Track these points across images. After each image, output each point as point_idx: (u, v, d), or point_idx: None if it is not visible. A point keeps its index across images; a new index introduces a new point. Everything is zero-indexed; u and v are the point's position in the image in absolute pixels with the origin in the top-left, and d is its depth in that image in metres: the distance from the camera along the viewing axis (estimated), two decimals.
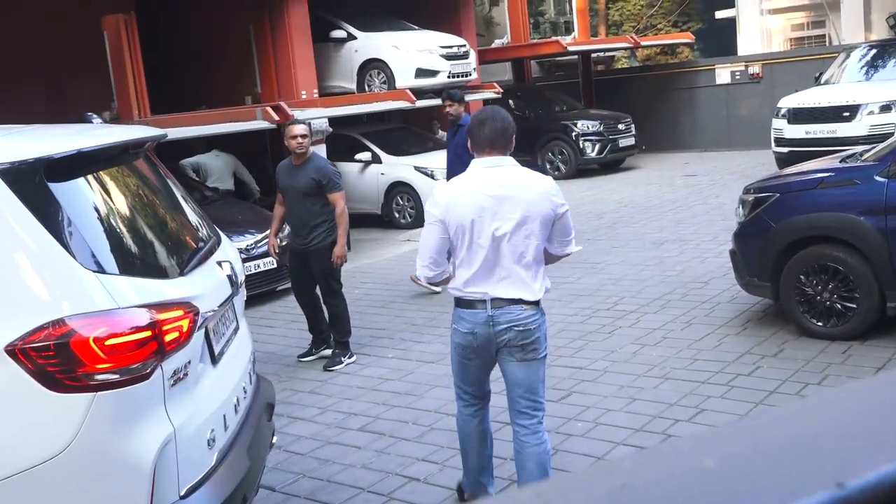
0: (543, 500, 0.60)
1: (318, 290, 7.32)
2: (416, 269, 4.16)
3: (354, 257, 11.74)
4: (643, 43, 22.46)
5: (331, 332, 7.29)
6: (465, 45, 14.60)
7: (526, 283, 3.98)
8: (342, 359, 7.15)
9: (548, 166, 17.88)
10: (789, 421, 0.68)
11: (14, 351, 2.85)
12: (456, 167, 8.21)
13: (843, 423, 0.65)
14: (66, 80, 13.40)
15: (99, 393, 2.92)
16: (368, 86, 13.97)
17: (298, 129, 6.99)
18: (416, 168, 13.85)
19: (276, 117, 10.66)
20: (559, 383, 6.15)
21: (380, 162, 14.08)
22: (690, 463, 0.60)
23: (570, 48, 19.54)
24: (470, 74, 14.64)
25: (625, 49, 25.13)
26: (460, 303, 4.08)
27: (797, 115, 13.70)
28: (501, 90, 15.82)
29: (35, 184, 3.02)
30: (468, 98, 15.56)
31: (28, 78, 13.01)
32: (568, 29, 29.74)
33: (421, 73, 13.82)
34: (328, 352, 7.33)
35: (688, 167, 17.38)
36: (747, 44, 24.78)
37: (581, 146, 17.47)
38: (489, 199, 3.93)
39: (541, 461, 4.16)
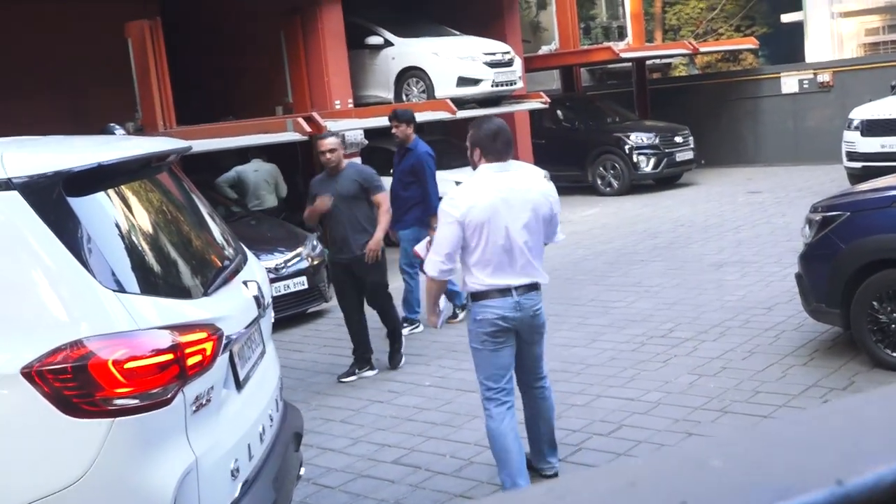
0: (555, 496, 0.65)
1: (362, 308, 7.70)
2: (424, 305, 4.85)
3: (391, 279, 11.79)
4: (703, 49, 22.37)
5: (392, 332, 7.77)
6: (509, 52, 14.66)
7: (538, 271, 4.85)
8: (402, 353, 7.75)
9: (599, 182, 17.85)
10: (798, 425, 0.74)
11: (30, 373, 2.91)
12: (400, 195, 8.21)
13: (850, 427, 0.70)
14: (90, 90, 13.66)
15: (117, 419, 2.98)
16: (406, 95, 14.07)
17: (325, 143, 7.43)
18: (458, 183, 13.82)
19: (308, 129, 10.77)
20: (608, 416, 6.12)
21: None
22: (699, 462, 0.66)
23: (624, 55, 19.53)
24: (515, 83, 14.69)
25: (683, 55, 25.05)
26: (484, 295, 4.77)
27: (871, 128, 13.55)
28: (549, 100, 15.85)
29: (53, 198, 3.09)
30: (515, 108, 15.64)
31: (50, 88, 13.29)
32: (621, 34, 29.74)
33: (462, 81, 13.89)
34: (370, 373, 7.62)
35: (751, 183, 17.24)
36: (816, 50, 24.58)
37: (635, 160, 17.42)
38: (503, 200, 4.74)
39: (553, 407, 5.22)
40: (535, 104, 15.74)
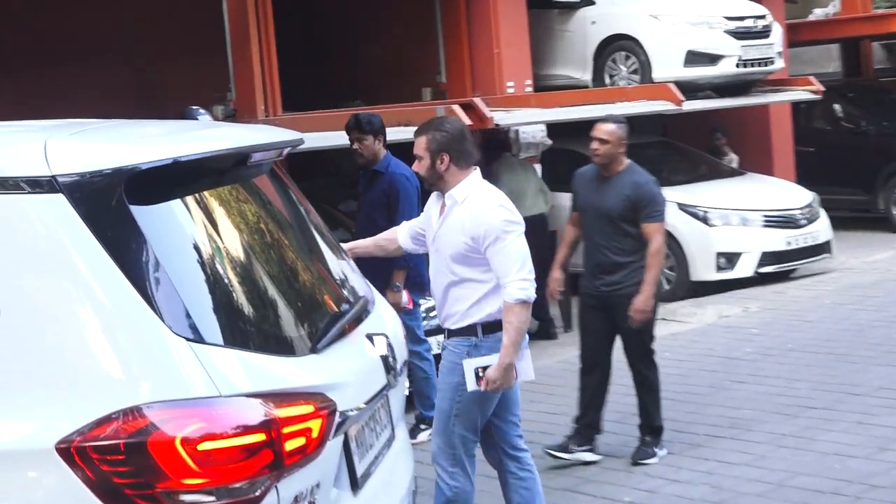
0: None
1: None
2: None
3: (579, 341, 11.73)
4: None
5: (644, 417, 7.97)
6: (764, 17, 14.44)
7: None
8: (655, 450, 7.83)
9: (895, 211, 17.34)
10: None
11: (68, 450, 2.99)
12: (366, 233, 7.85)
13: None
14: (166, 60, 14.10)
15: None
16: (610, 76, 14.02)
17: (600, 128, 7.87)
18: (681, 207, 13.73)
19: (468, 120, 10.83)
20: None
21: None
22: None
23: None
24: (772, 62, 14.44)
25: None
26: (498, 325, 5.65)
27: None
28: (822, 88, 15.50)
29: (112, 206, 3.19)
30: (770, 99, 15.35)
31: (114, 57, 13.75)
32: None
33: (694, 57, 13.74)
34: (588, 456, 7.86)
35: None
36: None
37: None
38: None
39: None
40: (800, 94, 15.43)
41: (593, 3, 14.30)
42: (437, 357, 9.02)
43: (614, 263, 7.66)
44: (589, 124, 14.64)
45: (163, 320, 3.11)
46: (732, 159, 15.93)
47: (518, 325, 5.55)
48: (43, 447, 3.00)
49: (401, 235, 6.20)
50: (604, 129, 7.82)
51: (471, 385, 5.59)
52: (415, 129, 11.41)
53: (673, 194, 13.91)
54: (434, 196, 6.00)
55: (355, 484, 3.73)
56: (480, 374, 5.57)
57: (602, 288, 7.75)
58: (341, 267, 4.42)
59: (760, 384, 9.45)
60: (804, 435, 8.08)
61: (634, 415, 8.01)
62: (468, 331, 5.70)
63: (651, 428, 7.91)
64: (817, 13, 21.09)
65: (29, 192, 3.14)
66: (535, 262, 5.71)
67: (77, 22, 13.33)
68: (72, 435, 3.00)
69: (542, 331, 11.97)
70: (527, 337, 5.77)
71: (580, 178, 8.07)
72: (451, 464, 5.86)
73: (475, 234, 5.57)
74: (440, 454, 5.87)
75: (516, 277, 5.52)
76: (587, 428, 7.89)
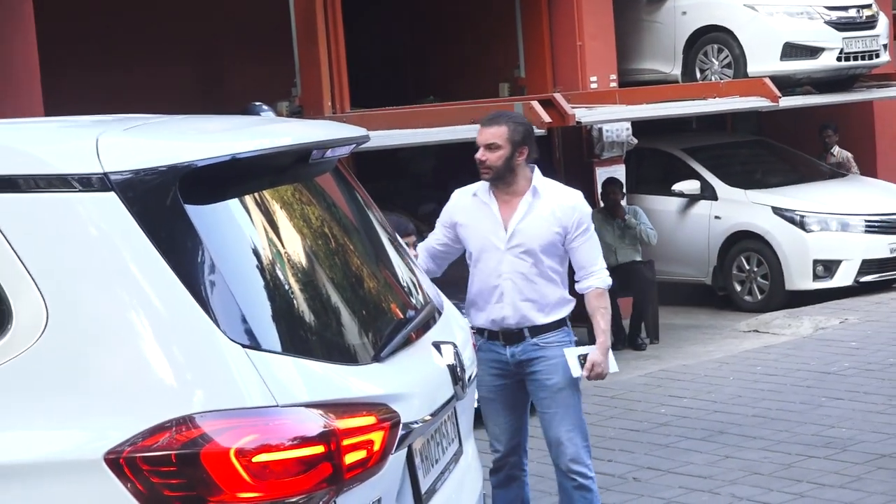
0: None
1: None
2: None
3: (665, 354, 11.68)
4: None
5: None
6: (869, 6, 14.27)
7: None
8: None
9: None
10: None
11: (118, 461, 3.03)
12: None
13: None
14: (229, 57, 14.21)
15: None
16: (701, 70, 13.93)
17: None
18: (776, 210, 13.66)
19: (547, 119, 10.79)
20: None
21: (714, 198, 13.97)
22: None
23: None
24: (877, 55, 14.27)
25: None
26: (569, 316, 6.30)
27: None
28: None
29: (166, 205, 3.22)
30: (875, 95, 15.15)
31: (175, 50, 13.88)
32: None
33: (792, 50, 13.63)
34: None
35: None
36: None
37: None
38: None
39: None
40: None
41: None
42: None
43: None
44: (677, 122, 14.75)
45: (218, 326, 3.13)
46: (846, 157, 15.68)
47: (609, 309, 6.15)
48: (91, 458, 3.03)
49: (421, 262, 6.09)
50: None
51: (576, 371, 5.92)
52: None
53: (767, 197, 13.89)
54: (477, 194, 6.15)
55: (419, 500, 3.73)
56: (582, 361, 5.92)
57: None
58: (407, 271, 4.43)
59: (859, 401, 9.35)
60: None
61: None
62: (560, 324, 6.11)
63: None
64: None
65: (80, 191, 3.16)
66: None
67: (142, 18, 13.48)
68: (121, 445, 3.02)
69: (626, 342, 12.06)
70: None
71: None
72: (589, 455, 6.25)
73: (567, 223, 6.02)
74: (584, 454, 6.16)
75: (602, 265, 6.13)
76: None
